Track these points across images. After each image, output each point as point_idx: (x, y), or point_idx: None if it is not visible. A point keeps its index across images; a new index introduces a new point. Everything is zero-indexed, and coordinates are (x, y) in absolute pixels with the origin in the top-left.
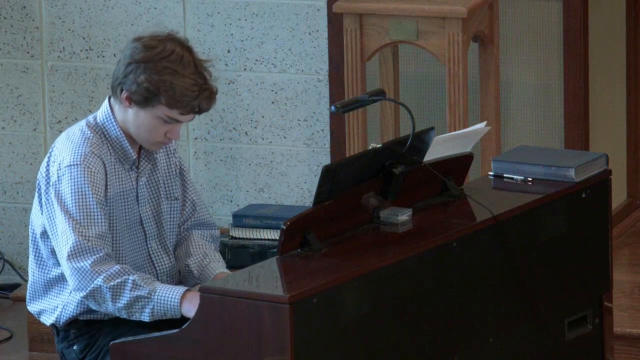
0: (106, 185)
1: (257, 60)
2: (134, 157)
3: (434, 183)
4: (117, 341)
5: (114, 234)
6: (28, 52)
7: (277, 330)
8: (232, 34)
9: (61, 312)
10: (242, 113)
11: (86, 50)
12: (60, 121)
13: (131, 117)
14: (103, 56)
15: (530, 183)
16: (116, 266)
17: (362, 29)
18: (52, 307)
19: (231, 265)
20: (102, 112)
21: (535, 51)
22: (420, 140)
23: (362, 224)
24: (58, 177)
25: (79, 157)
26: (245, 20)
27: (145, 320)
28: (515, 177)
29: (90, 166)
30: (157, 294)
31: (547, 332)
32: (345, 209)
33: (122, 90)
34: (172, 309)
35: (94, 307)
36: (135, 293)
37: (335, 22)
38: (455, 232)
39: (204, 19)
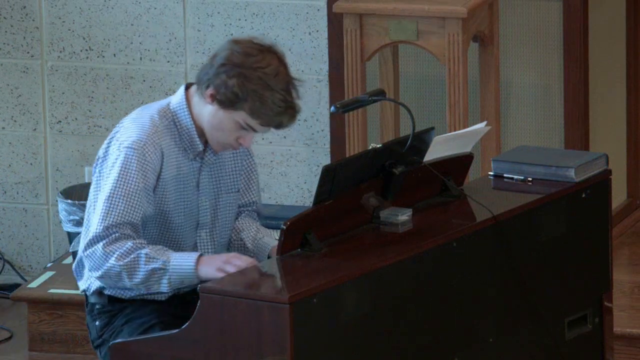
0: (160, 170)
1: None
2: (201, 148)
3: (434, 183)
4: (117, 341)
5: (163, 215)
6: (28, 52)
7: (277, 330)
8: (232, 34)
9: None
10: None
11: (86, 50)
12: (60, 121)
13: (208, 113)
14: (103, 56)
15: (530, 183)
16: (129, 243)
17: (362, 29)
18: (88, 275)
19: None
20: (176, 99)
21: (535, 51)
22: (420, 140)
23: (362, 224)
24: (116, 156)
25: (138, 142)
26: (245, 20)
27: (164, 290)
28: (515, 177)
29: (146, 154)
30: (171, 263)
31: (547, 332)
32: (345, 209)
33: (208, 87)
34: (189, 275)
35: (108, 285)
36: (150, 266)
37: (335, 22)
38: (455, 232)
39: (204, 19)
